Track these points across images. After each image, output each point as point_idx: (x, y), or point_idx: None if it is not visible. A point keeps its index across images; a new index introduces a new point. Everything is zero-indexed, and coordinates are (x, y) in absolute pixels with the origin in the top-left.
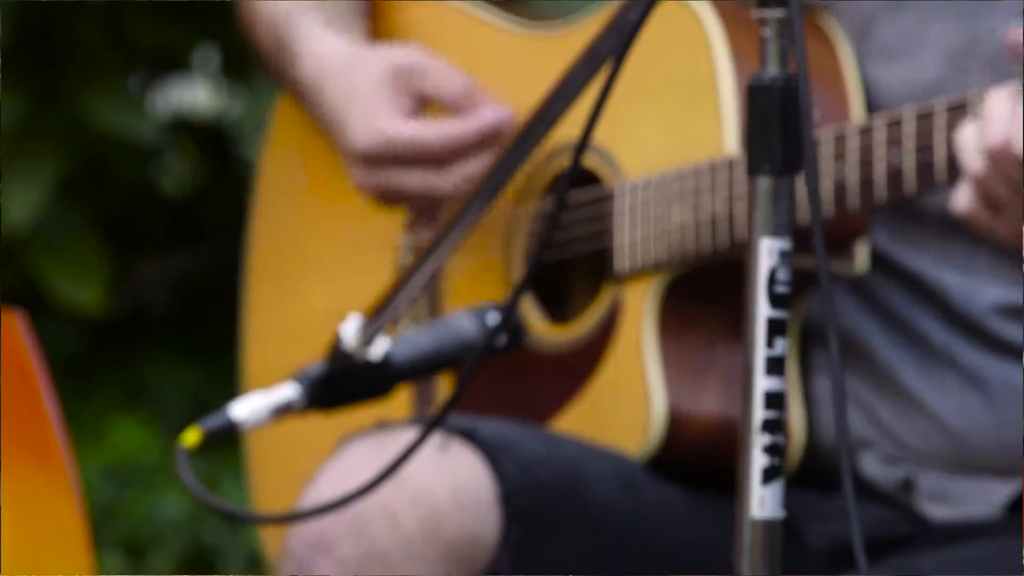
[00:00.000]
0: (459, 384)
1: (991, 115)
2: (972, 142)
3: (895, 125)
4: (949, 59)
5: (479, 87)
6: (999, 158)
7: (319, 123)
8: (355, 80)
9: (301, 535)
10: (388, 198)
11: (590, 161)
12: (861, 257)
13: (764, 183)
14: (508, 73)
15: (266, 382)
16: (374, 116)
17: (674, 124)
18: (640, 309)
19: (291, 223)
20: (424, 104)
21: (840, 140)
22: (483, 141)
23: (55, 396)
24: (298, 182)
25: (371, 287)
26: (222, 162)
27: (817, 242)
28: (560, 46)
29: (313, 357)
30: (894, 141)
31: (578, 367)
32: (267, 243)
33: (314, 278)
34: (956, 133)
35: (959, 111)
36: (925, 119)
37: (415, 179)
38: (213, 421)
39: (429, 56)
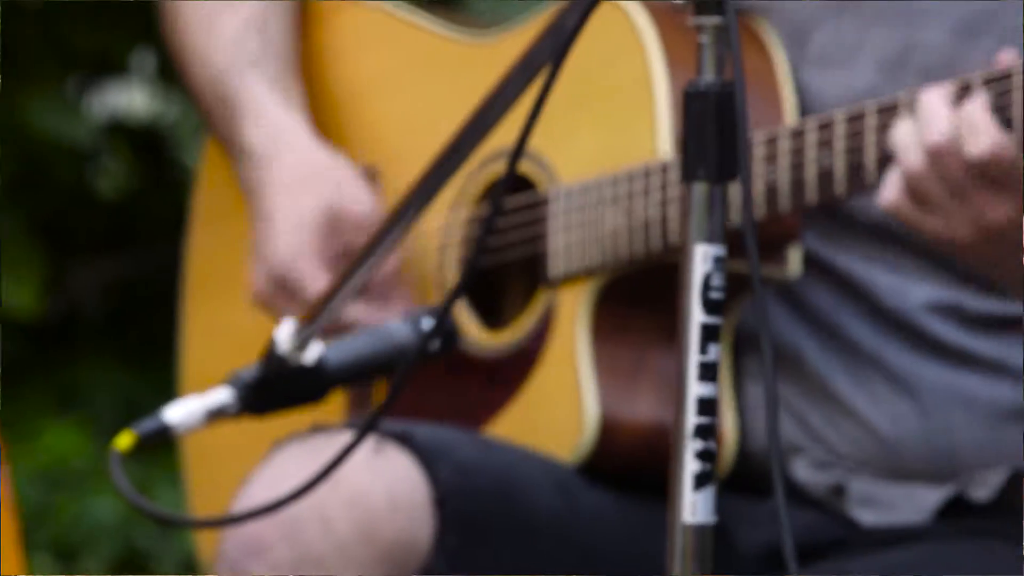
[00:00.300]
0: (393, 388)
1: (930, 113)
2: (910, 139)
3: (826, 127)
4: (883, 67)
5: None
6: (940, 156)
7: (245, 186)
8: (298, 197)
9: (234, 539)
10: (269, 311)
11: (525, 167)
12: (794, 262)
13: (699, 189)
14: (445, 79)
15: (203, 388)
16: (299, 249)
17: (609, 129)
18: (574, 314)
19: (228, 231)
20: (347, 252)
21: (771, 143)
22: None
23: None
24: (235, 192)
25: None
26: (157, 166)
27: (750, 248)
28: (497, 52)
29: (249, 363)
30: (825, 143)
31: (512, 372)
32: (204, 250)
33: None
34: (892, 130)
35: (890, 112)
36: (856, 121)
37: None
38: (147, 425)
39: (371, 207)
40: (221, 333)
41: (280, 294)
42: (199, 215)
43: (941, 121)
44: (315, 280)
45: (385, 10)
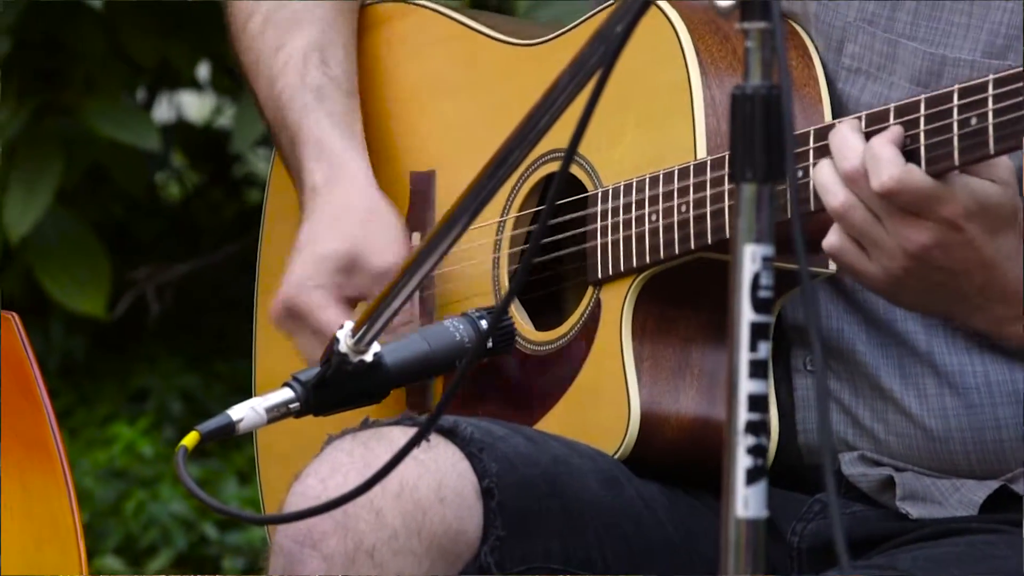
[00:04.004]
0: (450, 388)
1: (841, 144)
2: (830, 177)
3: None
4: (917, 81)
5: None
6: (854, 182)
7: (300, 209)
8: (329, 233)
9: (289, 531)
10: (283, 329)
11: (573, 168)
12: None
13: (747, 190)
14: (499, 82)
15: (277, 384)
16: (313, 281)
17: (649, 131)
18: (618, 312)
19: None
20: (361, 298)
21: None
22: None
23: (51, 398)
24: None
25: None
26: (220, 171)
27: (798, 248)
28: (549, 55)
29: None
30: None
31: (562, 369)
32: (276, 253)
33: None
34: (815, 173)
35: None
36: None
37: (307, 344)
38: (212, 424)
39: (395, 261)
40: None
41: (289, 319)
42: (271, 214)
43: (851, 151)
44: (323, 310)
45: (440, 13)
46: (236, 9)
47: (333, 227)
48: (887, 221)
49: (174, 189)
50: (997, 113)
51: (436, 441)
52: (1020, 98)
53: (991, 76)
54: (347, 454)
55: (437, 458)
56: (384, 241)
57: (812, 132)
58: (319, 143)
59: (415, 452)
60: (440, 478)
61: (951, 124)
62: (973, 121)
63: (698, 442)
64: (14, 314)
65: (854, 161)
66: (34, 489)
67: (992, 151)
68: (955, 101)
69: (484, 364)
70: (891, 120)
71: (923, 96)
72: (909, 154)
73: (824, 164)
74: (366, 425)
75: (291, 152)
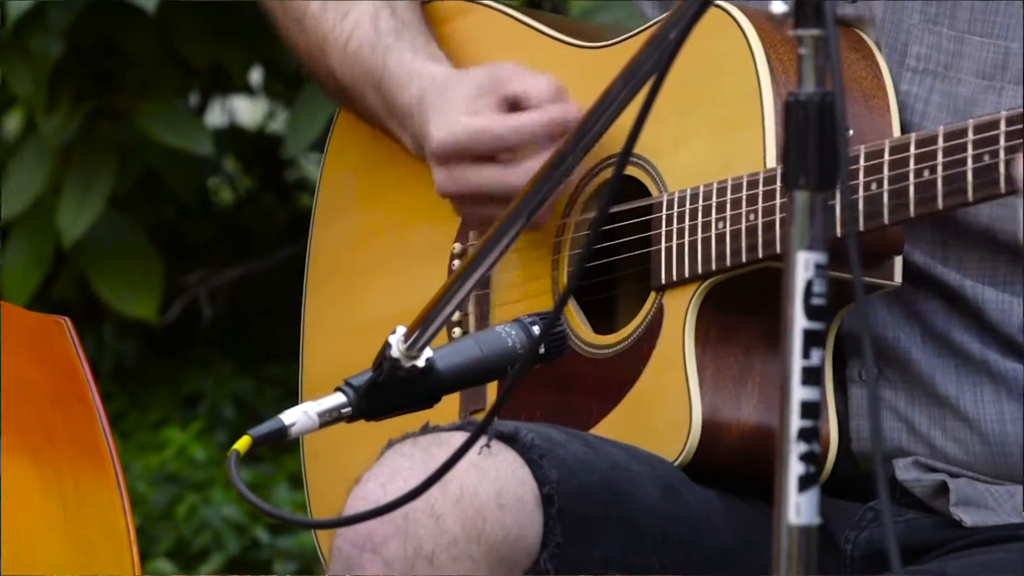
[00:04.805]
0: (502, 394)
1: None
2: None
3: (927, 141)
4: (984, 75)
5: (562, 87)
6: None
7: (411, 145)
8: (449, 95)
9: (349, 535)
10: (467, 199)
11: (635, 172)
12: (895, 271)
13: (800, 198)
14: (562, 83)
15: (325, 388)
16: (454, 117)
17: (718, 138)
18: (680, 317)
19: (349, 234)
20: (513, 106)
21: (874, 156)
22: (551, 134)
23: (104, 402)
24: (356, 196)
25: (427, 297)
26: (272, 176)
27: (852, 254)
28: (608, 58)
29: (370, 364)
30: (925, 157)
31: (621, 374)
32: (326, 254)
33: (371, 287)
34: (1015, 164)
35: (990, 128)
36: (956, 135)
37: (489, 173)
38: (264, 428)
39: (517, 64)
40: (341, 335)
41: (455, 168)
42: (320, 213)
43: None
44: (470, 124)
45: (502, 12)
46: (288, 5)
47: (447, 91)
48: None
49: (226, 194)
50: None
51: (497, 448)
52: None
53: None
54: (408, 459)
55: (498, 464)
56: (489, 63)
57: (887, 146)
58: (407, 69)
59: (476, 458)
60: (500, 485)
61: None
62: None
63: (758, 450)
64: (67, 319)
65: None
66: (87, 493)
67: None
68: None
69: (540, 369)
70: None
71: None
72: None
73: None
74: (426, 430)
75: (377, 97)
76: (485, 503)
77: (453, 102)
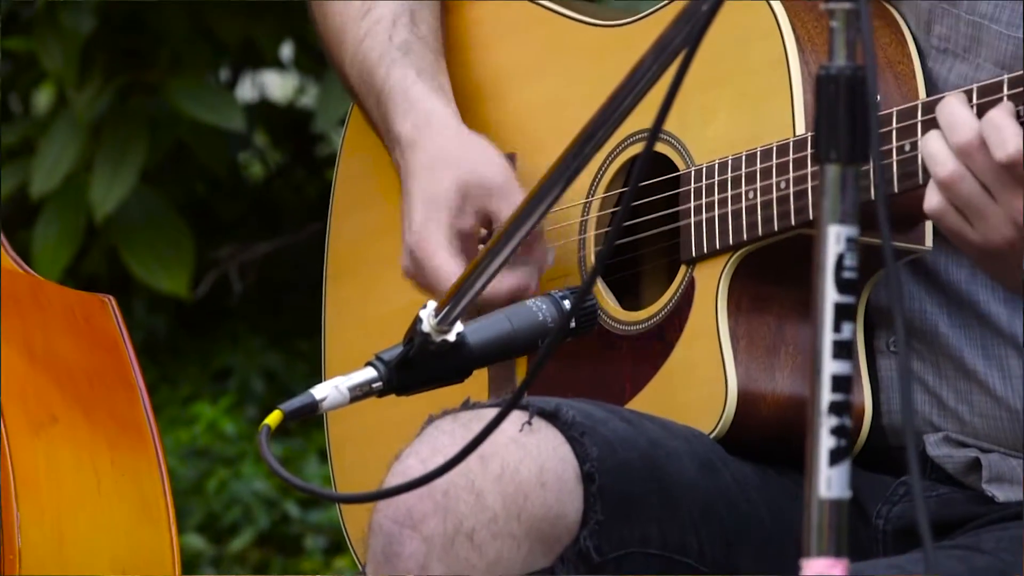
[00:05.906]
0: (532, 368)
1: (953, 117)
2: (939, 148)
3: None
4: (1003, 65)
5: (537, 233)
6: (969, 155)
7: (398, 169)
8: (437, 175)
9: (389, 511)
10: (415, 285)
11: (662, 147)
12: (926, 235)
13: (832, 171)
14: (583, 66)
15: (346, 368)
16: (427, 225)
17: (745, 109)
18: (712, 290)
19: (368, 219)
20: (487, 220)
21: (907, 116)
22: (507, 301)
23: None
24: (374, 180)
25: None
26: (303, 151)
27: (883, 227)
28: (633, 37)
29: (393, 343)
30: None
31: (653, 348)
32: (345, 238)
33: (391, 270)
34: (922, 143)
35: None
36: (991, 90)
37: (451, 278)
38: (295, 403)
39: (506, 177)
40: (361, 319)
41: (414, 269)
42: (338, 202)
43: (964, 123)
44: (435, 256)
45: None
46: None
47: (437, 168)
48: (999, 193)
49: (257, 169)
50: None
51: (538, 425)
52: None
53: None
54: (448, 435)
55: (539, 442)
56: (491, 164)
57: (920, 106)
58: (405, 94)
59: (517, 436)
60: (542, 462)
61: None
62: None
63: (793, 420)
64: (111, 298)
65: (968, 133)
66: (126, 469)
67: None
68: None
69: (571, 344)
70: (1004, 92)
71: None
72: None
73: (933, 135)
74: (467, 406)
75: (377, 111)
76: (526, 480)
77: (437, 190)
